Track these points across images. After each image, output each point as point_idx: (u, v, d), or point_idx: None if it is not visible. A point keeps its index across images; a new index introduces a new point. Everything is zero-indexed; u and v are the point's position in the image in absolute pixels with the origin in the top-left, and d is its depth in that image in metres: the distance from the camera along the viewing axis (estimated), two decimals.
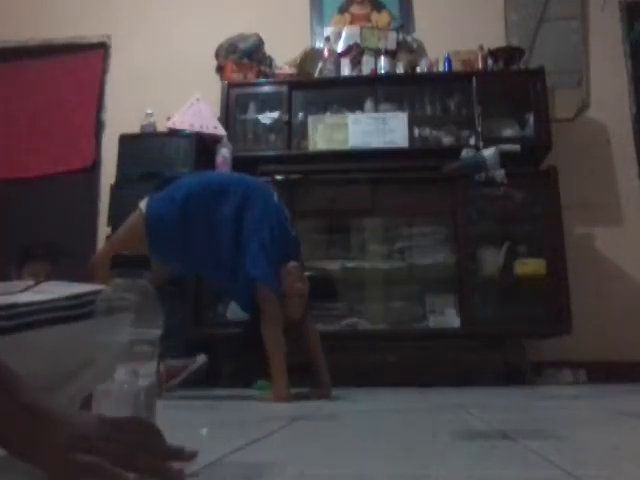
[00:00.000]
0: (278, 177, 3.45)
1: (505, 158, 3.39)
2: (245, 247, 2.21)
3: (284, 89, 3.79)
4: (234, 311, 3.30)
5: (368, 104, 3.76)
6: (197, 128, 3.71)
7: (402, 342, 3.40)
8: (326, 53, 3.95)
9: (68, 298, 0.59)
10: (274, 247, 2.20)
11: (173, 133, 3.73)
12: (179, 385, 2.55)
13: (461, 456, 0.86)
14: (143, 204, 2.30)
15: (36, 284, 0.71)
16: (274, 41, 4.00)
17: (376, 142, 3.61)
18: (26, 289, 0.71)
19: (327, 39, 4.06)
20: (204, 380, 2.75)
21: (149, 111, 3.84)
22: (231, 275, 2.27)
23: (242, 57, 3.94)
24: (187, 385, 2.59)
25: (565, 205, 3.40)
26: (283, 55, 3.98)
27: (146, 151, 3.67)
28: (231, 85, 3.81)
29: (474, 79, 3.67)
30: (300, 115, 3.79)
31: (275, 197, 2.37)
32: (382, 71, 3.87)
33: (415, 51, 4.00)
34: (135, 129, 3.83)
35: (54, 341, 0.68)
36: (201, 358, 2.68)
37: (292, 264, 2.24)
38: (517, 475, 0.70)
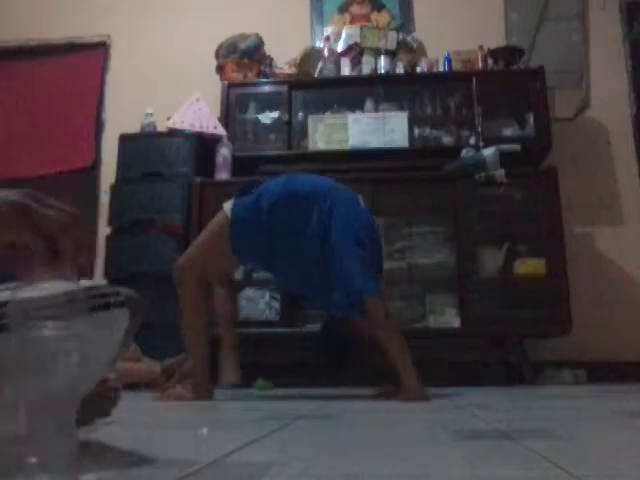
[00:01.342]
0: None
1: (505, 158, 3.39)
2: (337, 256, 2.17)
3: (284, 89, 3.79)
4: None
5: (368, 104, 3.76)
6: (197, 128, 3.71)
7: None
8: (326, 53, 3.95)
9: (67, 294, 0.59)
10: (367, 255, 2.20)
11: (173, 133, 3.73)
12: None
13: (461, 456, 0.86)
14: (228, 207, 2.25)
15: (33, 281, 0.71)
16: (274, 41, 4.00)
17: (376, 142, 3.61)
18: (24, 286, 0.71)
19: (327, 39, 4.06)
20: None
21: (149, 111, 3.84)
22: (321, 283, 2.24)
23: (242, 57, 3.93)
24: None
25: (565, 205, 3.40)
26: (283, 55, 3.98)
27: (146, 151, 3.68)
28: (231, 85, 3.81)
29: (474, 79, 3.67)
30: (300, 115, 3.79)
31: (361, 202, 2.35)
32: (382, 71, 3.87)
33: (415, 51, 4.00)
34: (135, 129, 3.83)
35: (54, 339, 0.67)
36: None
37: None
38: (517, 475, 0.70)
